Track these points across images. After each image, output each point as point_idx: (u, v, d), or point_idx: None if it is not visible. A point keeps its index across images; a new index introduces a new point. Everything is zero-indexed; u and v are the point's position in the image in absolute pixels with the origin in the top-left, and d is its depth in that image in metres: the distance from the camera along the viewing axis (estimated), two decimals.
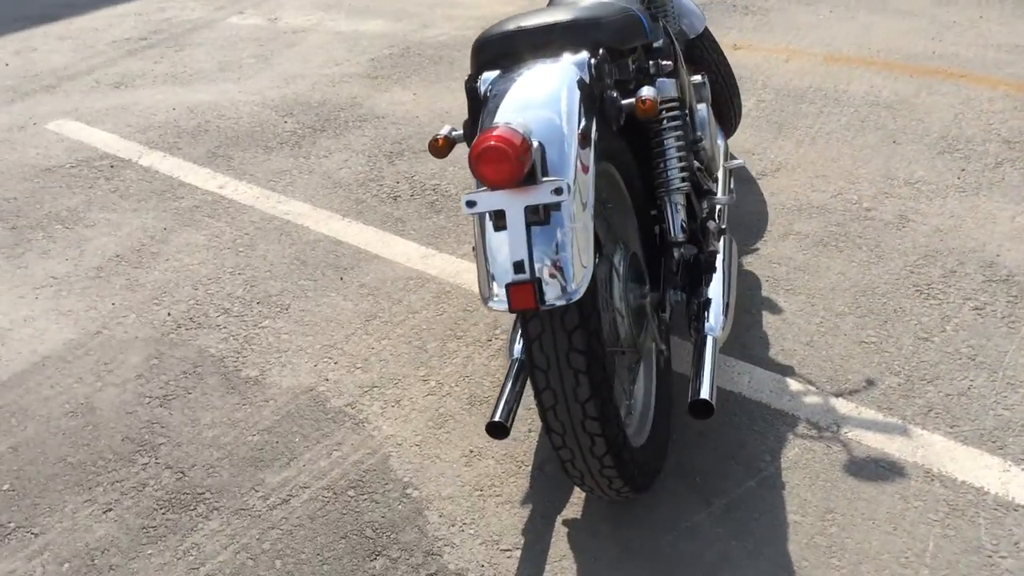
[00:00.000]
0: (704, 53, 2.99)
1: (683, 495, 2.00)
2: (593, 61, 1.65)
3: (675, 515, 1.95)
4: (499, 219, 1.50)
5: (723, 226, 2.30)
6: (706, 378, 1.82)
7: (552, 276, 1.49)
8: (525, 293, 1.47)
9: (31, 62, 5.16)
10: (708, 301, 1.99)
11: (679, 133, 1.99)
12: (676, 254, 1.97)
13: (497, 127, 1.43)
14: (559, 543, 1.91)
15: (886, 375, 2.28)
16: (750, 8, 5.03)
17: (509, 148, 1.40)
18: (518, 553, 1.90)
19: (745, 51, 4.41)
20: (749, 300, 2.60)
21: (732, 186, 2.56)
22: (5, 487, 2.18)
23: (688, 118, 2.39)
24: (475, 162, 1.41)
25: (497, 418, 1.81)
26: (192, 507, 2.08)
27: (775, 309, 2.56)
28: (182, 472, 2.17)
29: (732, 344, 2.43)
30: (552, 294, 1.49)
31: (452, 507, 2.02)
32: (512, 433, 2.16)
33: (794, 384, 2.28)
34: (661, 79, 1.97)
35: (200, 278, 2.94)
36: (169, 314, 2.77)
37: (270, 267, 2.96)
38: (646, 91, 1.67)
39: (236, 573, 1.90)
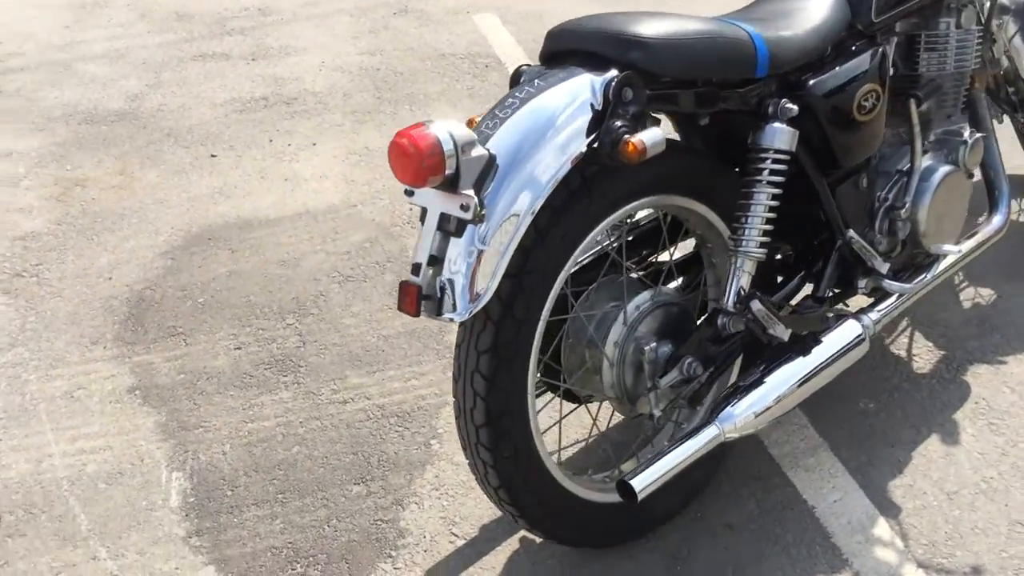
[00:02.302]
0: None
1: (650, 574, 1.80)
2: (613, 83, 1.47)
3: None
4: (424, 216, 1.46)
5: (873, 317, 1.89)
6: (660, 465, 1.60)
7: (443, 289, 1.43)
8: (411, 296, 1.44)
9: None
10: (745, 390, 1.69)
11: (774, 191, 1.66)
12: (719, 322, 1.69)
13: (421, 125, 1.38)
14: (500, 553, 1.86)
15: (999, 570, 1.75)
16: None
17: (411, 149, 1.35)
18: (460, 543, 1.89)
19: None
20: (932, 417, 2.11)
21: (931, 277, 2.04)
22: (200, 300, 2.68)
23: (904, 180, 1.97)
24: (388, 153, 1.39)
25: None
26: (285, 374, 2.37)
27: (952, 439, 2.06)
28: (303, 343, 2.47)
29: (858, 452, 2.03)
30: (433, 306, 1.44)
31: (450, 474, 2.05)
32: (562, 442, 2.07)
33: (883, 528, 1.85)
34: (773, 125, 1.65)
35: None
36: (410, 209, 3.05)
37: None
38: (641, 134, 1.44)
39: (264, 440, 2.17)
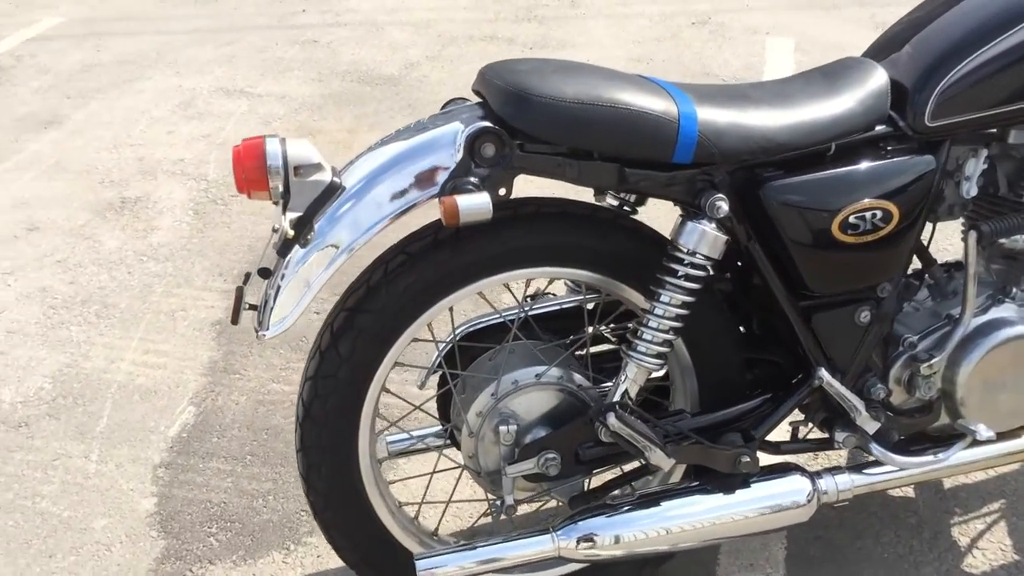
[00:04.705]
0: None
1: None
2: (466, 137, 1.32)
3: None
4: None
5: (838, 482, 1.52)
6: (465, 556, 1.45)
7: (262, 302, 1.42)
8: (236, 302, 1.44)
9: None
10: (613, 509, 1.46)
11: (685, 299, 1.38)
12: (600, 421, 1.45)
13: (262, 138, 1.36)
14: None
15: None
16: None
17: (236, 158, 1.35)
18: None
19: None
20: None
21: (953, 460, 1.56)
22: None
23: (946, 328, 1.57)
24: None
25: None
26: None
27: None
28: None
29: None
30: (250, 316, 1.43)
31: (394, 491, 2.01)
32: None
33: None
34: (696, 223, 1.37)
35: None
36: None
37: None
38: (461, 196, 1.27)
39: (274, 402, 2.29)
